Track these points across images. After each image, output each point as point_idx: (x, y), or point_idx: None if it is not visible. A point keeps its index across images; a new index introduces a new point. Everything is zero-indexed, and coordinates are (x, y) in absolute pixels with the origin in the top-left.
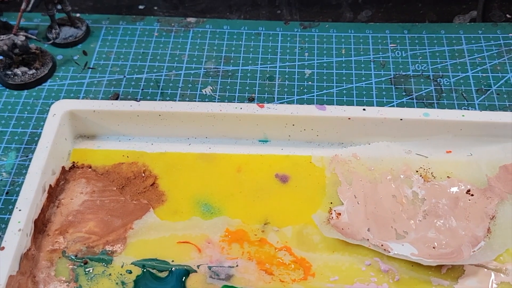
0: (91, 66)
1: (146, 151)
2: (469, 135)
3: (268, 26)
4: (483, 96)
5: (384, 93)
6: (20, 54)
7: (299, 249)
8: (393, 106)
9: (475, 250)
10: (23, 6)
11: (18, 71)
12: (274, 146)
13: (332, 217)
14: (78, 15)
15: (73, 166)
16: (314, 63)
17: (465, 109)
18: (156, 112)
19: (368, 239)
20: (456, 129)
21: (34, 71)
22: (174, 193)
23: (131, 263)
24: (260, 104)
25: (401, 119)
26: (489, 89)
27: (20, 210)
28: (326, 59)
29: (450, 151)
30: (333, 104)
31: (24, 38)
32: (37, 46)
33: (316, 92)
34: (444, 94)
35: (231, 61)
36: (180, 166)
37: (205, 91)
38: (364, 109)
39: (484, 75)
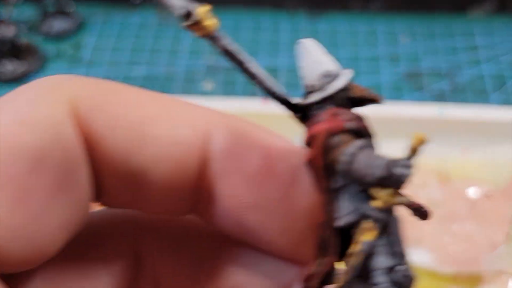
0: (84, 60)
1: None
2: (487, 134)
3: (272, 17)
4: (499, 92)
5: (395, 89)
6: (10, 47)
7: None
8: (405, 102)
9: (494, 256)
10: None
11: (8, 65)
12: None
13: None
14: (71, 7)
15: None
16: None
17: (480, 105)
18: None
19: None
20: (472, 127)
21: (25, 64)
22: None
23: None
24: (264, 99)
25: (413, 117)
26: (505, 85)
27: None
28: (334, 53)
29: (467, 151)
30: None
31: (15, 31)
32: (29, 39)
33: None
34: (459, 90)
35: None
36: None
37: (206, 86)
38: (374, 106)
39: (500, 69)
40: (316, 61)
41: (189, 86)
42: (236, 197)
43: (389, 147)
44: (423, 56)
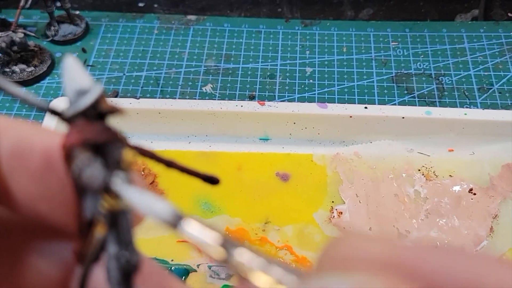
0: (90, 64)
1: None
2: (472, 134)
3: (269, 24)
4: (485, 95)
5: (385, 91)
6: (18, 51)
7: (300, 248)
8: (394, 104)
9: (478, 250)
10: (21, 3)
11: (16, 68)
12: (275, 144)
13: (334, 216)
14: (77, 12)
15: None
16: (315, 61)
17: (467, 107)
18: (155, 109)
19: None
20: (458, 128)
21: (32, 68)
22: (174, 192)
23: None
24: (261, 101)
25: (403, 117)
26: (491, 88)
27: None
28: (327, 57)
29: (452, 150)
30: (335, 103)
31: (22, 35)
32: (36, 44)
33: (317, 90)
34: (446, 93)
35: (232, 58)
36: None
37: (205, 89)
38: (366, 107)
39: (486, 73)
40: (72, 78)
41: (189, 89)
42: (25, 191)
43: (380, 145)
44: (413, 60)
